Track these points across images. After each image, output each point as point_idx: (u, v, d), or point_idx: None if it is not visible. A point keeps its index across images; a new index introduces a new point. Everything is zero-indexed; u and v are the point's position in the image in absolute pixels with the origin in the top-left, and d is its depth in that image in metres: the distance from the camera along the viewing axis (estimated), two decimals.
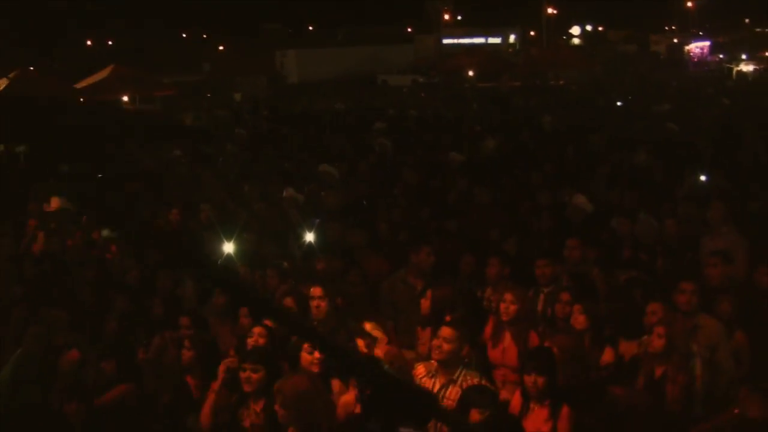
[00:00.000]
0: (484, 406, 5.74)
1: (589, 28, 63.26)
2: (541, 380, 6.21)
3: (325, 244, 9.39)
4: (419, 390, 5.75)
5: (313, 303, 7.31)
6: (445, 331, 6.46)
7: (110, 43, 37.08)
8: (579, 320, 7.12)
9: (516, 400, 6.45)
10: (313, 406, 5.79)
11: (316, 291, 7.35)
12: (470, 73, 39.22)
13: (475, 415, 5.72)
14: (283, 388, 5.79)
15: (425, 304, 7.46)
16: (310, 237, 9.36)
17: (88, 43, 37.34)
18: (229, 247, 9.39)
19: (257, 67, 36.73)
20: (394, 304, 8.26)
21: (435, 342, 6.52)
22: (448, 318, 7.06)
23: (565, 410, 6.16)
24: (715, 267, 7.96)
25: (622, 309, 7.38)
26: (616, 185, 11.61)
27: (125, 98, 25.90)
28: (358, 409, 6.23)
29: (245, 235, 9.86)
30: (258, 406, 6.26)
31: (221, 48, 41.24)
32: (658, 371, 6.61)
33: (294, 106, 26.76)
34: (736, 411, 5.92)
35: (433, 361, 6.61)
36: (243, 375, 6.26)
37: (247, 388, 6.25)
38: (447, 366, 6.45)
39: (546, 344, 6.84)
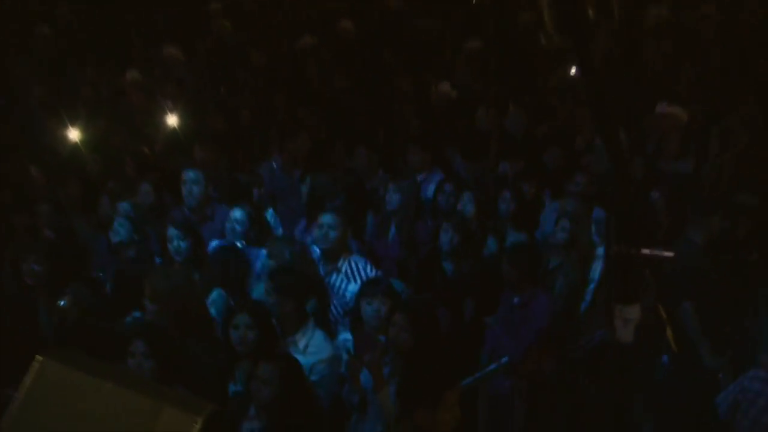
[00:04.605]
0: (378, 298, 5.54)
1: None
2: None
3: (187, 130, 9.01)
4: None
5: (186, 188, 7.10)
6: (328, 218, 6.35)
7: None
8: (469, 209, 7.16)
9: None
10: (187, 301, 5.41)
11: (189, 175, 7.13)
12: None
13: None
14: (153, 280, 5.40)
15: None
16: (172, 122, 8.95)
17: None
18: (74, 134, 8.85)
19: None
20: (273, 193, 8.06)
21: (317, 231, 6.41)
22: None
23: None
24: None
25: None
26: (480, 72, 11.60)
27: None
28: None
29: (93, 122, 9.34)
30: None
31: None
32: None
33: None
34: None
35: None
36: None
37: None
38: (331, 254, 6.37)
39: None
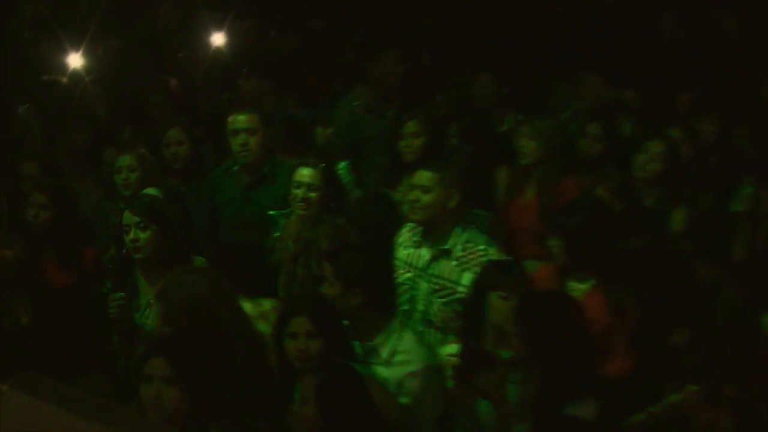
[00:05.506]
0: (510, 289, 5.36)
1: None
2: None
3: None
4: None
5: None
6: (421, 177, 6.22)
7: None
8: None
9: (542, 274, 6.30)
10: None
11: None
12: None
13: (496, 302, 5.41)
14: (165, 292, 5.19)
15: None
16: (217, 42, 9.25)
17: None
18: (78, 62, 8.99)
19: None
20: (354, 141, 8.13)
21: (411, 196, 6.28)
22: None
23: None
24: None
25: None
26: None
27: None
28: None
29: (104, 44, 9.59)
30: None
31: None
32: None
33: None
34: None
35: None
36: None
37: None
38: (434, 228, 6.23)
39: None
